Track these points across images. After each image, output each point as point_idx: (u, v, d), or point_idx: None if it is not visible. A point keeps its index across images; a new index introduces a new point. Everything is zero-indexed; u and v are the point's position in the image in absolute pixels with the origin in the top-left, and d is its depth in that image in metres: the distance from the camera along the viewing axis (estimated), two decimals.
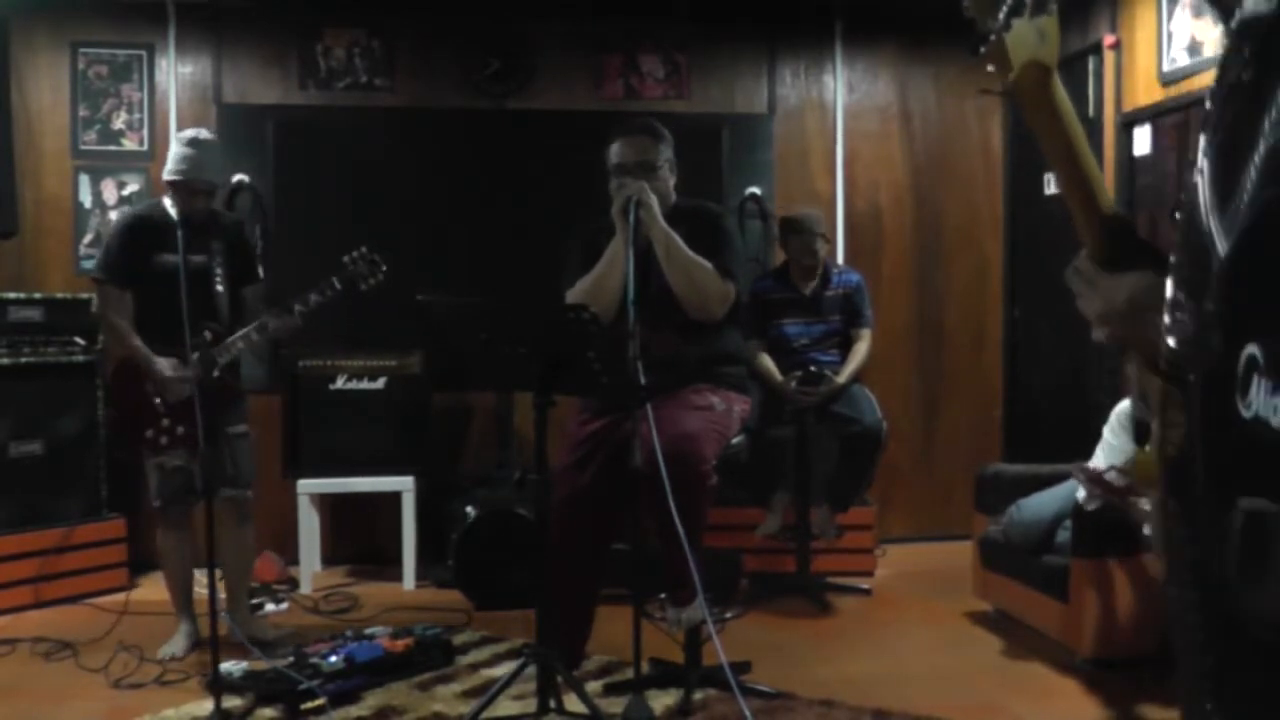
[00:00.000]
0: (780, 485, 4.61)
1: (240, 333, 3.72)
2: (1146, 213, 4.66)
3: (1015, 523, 3.86)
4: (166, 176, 3.80)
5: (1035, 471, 4.16)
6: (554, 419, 2.98)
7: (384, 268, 3.75)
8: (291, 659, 3.38)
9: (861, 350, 4.66)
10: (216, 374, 3.69)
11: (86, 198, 5.25)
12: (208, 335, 3.70)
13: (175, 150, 3.79)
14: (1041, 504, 3.84)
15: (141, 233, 3.79)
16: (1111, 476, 3.46)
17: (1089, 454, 3.89)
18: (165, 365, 3.69)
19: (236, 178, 5.19)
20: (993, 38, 1.13)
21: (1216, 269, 0.85)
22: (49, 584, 4.49)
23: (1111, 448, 3.80)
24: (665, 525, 2.93)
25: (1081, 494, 3.62)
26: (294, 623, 4.22)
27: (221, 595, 3.89)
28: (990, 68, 1.16)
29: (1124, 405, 3.85)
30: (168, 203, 3.80)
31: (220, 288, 3.82)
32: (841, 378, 4.53)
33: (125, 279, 3.81)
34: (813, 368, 4.54)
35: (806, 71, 5.75)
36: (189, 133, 3.87)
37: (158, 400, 3.72)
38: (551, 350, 2.90)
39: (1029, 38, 1.12)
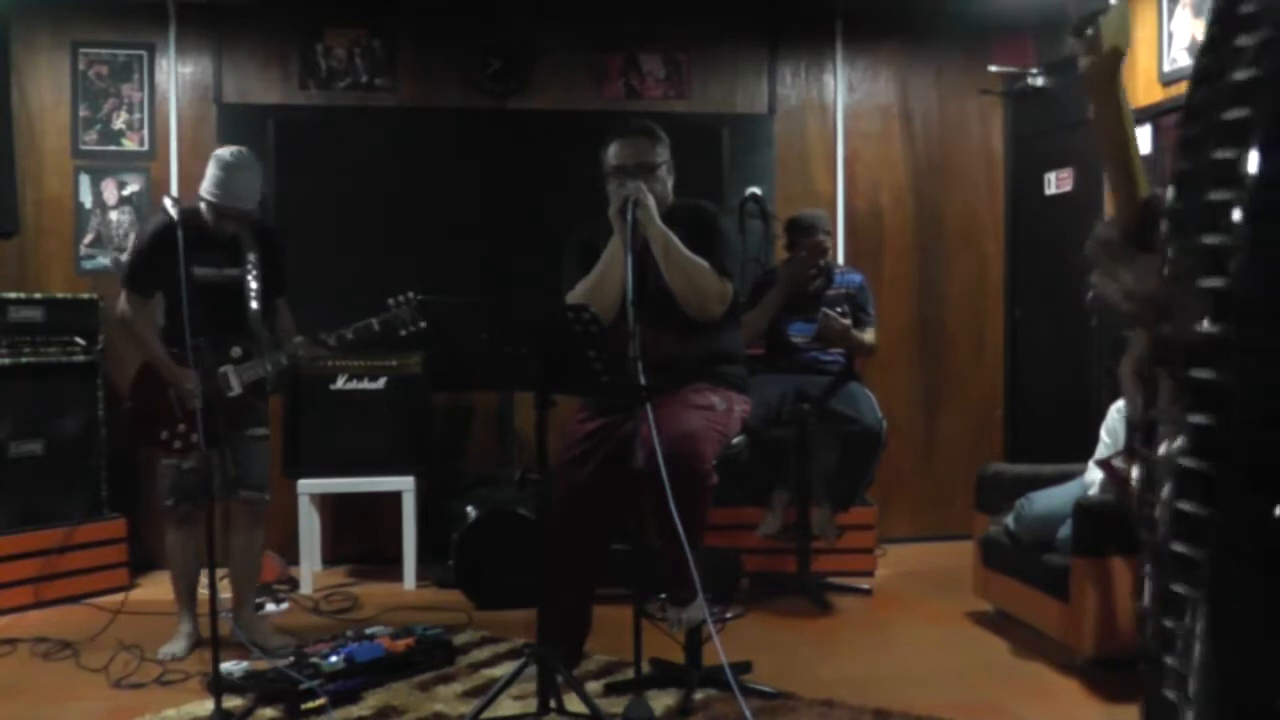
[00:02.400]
0: (780, 485, 4.61)
1: (269, 356, 3.73)
2: None
3: (1027, 517, 3.84)
4: (201, 194, 3.73)
5: (1036, 471, 4.16)
6: (554, 419, 2.98)
7: (424, 318, 3.69)
8: (292, 659, 3.38)
9: (866, 338, 4.65)
10: (240, 392, 3.70)
11: (87, 198, 5.26)
12: (237, 352, 3.70)
13: (210, 170, 3.72)
14: (1053, 498, 3.82)
15: (172, 241, 3.64)
16: (1117, 463, 3.46)
17: (1089, 454, 3.89)
18: (188, 376, 3.61)
19: None
20: (1101, 17, 1.18)
21: None
22: (49, 584, 4.49)
23: (1108, 447, 3.81)
24: (665, 525, 2.94)
25: (1094, 491, 3.63)
26: (294, 622, 4.22)
27: (226, 596, 3.90)
28: (1083, 57, 1.23)
29: (1121, 403, 3.86)
30: (204, 206, 3.76)
31: (255, 304, 3.79)
32: (851, 330, 4.52)
33: (149, 289, 3.75)
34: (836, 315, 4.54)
35: (807, 71, 5.75)
36: (226, 152, 3.75)
37: (177, 407, 3.69)
38: (552, 350, 2.90)
39: (1116, 24, 1.18)
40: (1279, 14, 0.98)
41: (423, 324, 3.70)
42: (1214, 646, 0.97)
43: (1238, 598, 0.96)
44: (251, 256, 3.81)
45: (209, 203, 3.73)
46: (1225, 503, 0.97)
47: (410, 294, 3.74)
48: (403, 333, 3.73)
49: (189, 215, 3.79)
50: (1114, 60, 1.21)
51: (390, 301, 3.74)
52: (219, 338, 3.65)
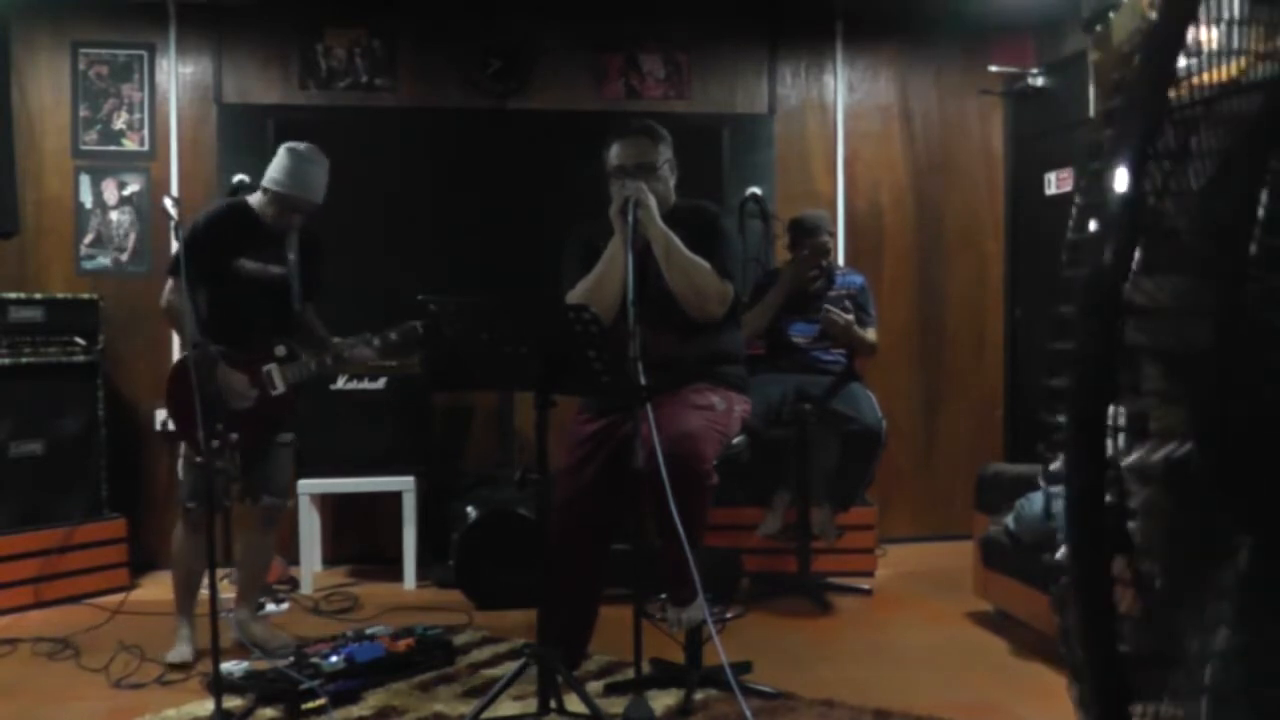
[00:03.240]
0: (781, 485, 4.61)
1: (315, 357, 3.73)
2: None
3: (1027, 517, 3.83)
4: (269, 185, 3.70)
5: (1036, 471, 4.15)
6: (554, 419, 2.98)
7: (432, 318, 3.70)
8: (292, 659, 3.38)
9: (868, 336, 4.65)
10: (284, 390, 3.69)
11: (87, 198, 5.26)
12: (282, 351, 3.69)
13: (280, 160, 3.70)
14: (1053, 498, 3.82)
15: (226, 232, 3.67)
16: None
17: None
18: (235, 379, 3.60)
19: (236, 178, 5.18)
20: (1113, 14, 1.20)
21: None
22: (50, 584, 4.49)
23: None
24: (665, 525, 2.93)
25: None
26: (294, 623, 4.22)
27: (228, 595, 3.89)
28: (1093, 51, 1.28)
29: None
30: (253, 201, 3.73)
31: (297, 305, 3.78)
32: (854, 326, 4.52)
33: (201, 276, 3.63)
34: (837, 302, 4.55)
35: (807, 71, 5.75)
36: (299, 145, 3.73)
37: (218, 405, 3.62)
38: (552, 350, 2.90)
39: (1128, 20, 1.19)
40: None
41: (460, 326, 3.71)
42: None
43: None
44: (293, 257, 3.79)
45: (279, 193, 3.69)
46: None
47: (449, 299, 3.73)
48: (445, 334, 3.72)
49: (238, 208, 3.76)
50: (1126, 58, 1.20)
51: (431, 306, 3.73)
52: (266, 336, 3.66)
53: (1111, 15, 1.13)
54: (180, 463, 3.80)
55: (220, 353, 3.62)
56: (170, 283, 3.72)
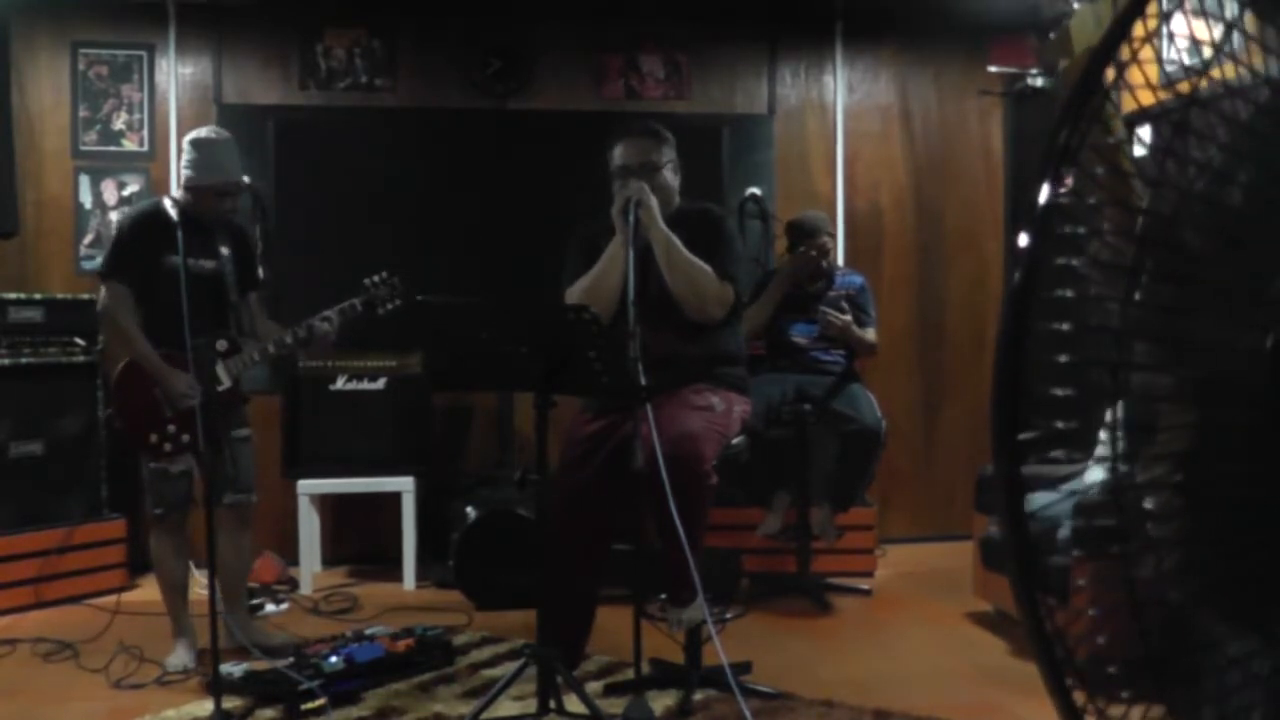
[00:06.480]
0: (781, 485, 4.61)
1: (258, 346, 3.69)
2: None
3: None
4: (185, 182, 3.70)
5: (1035, 472, 4.13)
6: (554, 419, 2.98)
7: (401, 291, 3.73)
8: (292, 660, 3.37)
9: (867, 336, 4.66)
10: (229, 384, 3.65)
11: (87, 198, 5.26)
12: (223, 345, 3.66)
13: (187, 156, 3.69)
14: (1053, 498, 3.81)
15: (151, 232, 3.64)
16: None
17: (1089, 454, 3.89)
18: (178, 378, 3.55)
19: None
20: (1066, 21, 1.19)
21: None
22: (49, 584, 4.49)
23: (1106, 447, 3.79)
24: (665, 526, 2.94)
25: (1095, 491, 3.62)
26: (294, 623, 4.22)
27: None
28: (1061, 59, 1.26)
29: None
30: (167, 203, 3.67)
31: (234, 296, 3.76)
32: (852, 325, 4.54)
33: (133, 277, 3.68)
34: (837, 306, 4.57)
35: (807, 72, 5.75)
36: (202, 132, 3.75)
37: (165, 406, 3.60)
38: (552, 350, 2.90)
39: (1089, 24, 1.17)
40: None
41: (399, 300, 3.73)
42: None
43: None
44: (225, 250, 3.77)
45: (196, 186, 3.67)
46: None
47: (384, 273, 3.76)
48: (380, 311, 3.73)
49: (160, 207, 3.69)
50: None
51: (366, 281, 3.74)
52: (204, 331, 3.63)
53: (1066, 22, 1.13)
54: (143, 471, 3.72)
55: (160, 354, 3.57)
56: (104, 288, 3.72)
